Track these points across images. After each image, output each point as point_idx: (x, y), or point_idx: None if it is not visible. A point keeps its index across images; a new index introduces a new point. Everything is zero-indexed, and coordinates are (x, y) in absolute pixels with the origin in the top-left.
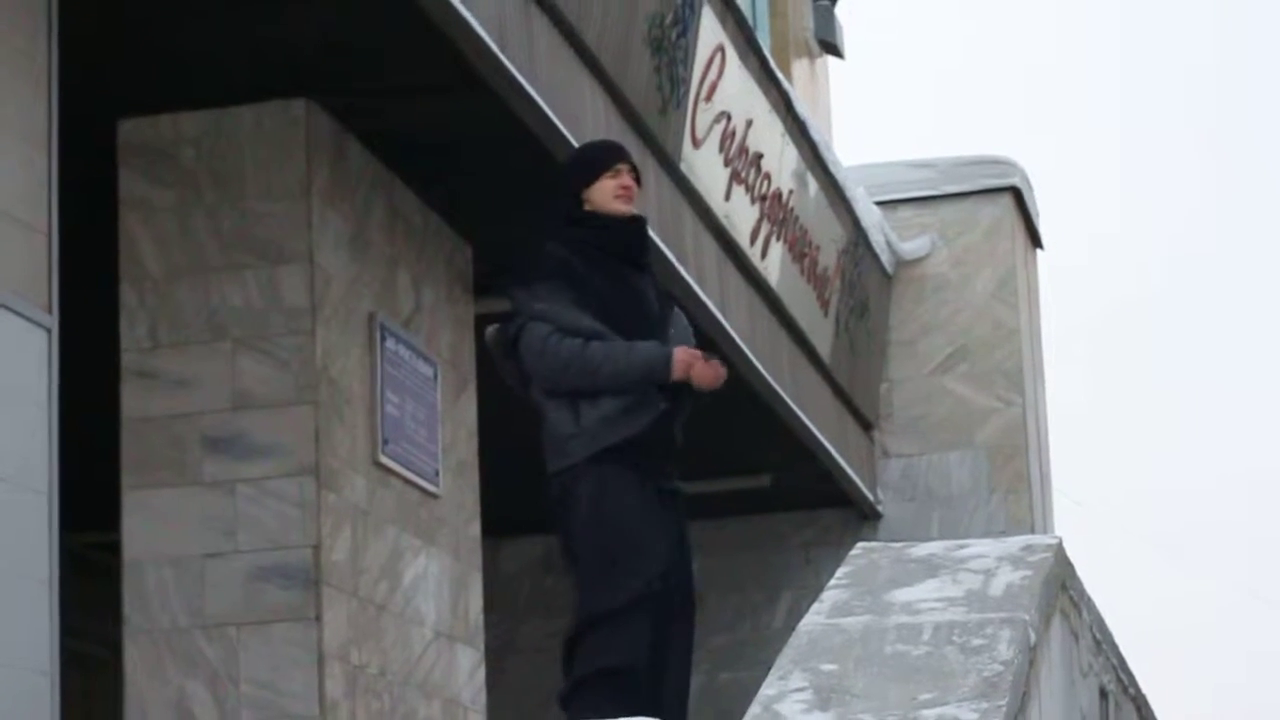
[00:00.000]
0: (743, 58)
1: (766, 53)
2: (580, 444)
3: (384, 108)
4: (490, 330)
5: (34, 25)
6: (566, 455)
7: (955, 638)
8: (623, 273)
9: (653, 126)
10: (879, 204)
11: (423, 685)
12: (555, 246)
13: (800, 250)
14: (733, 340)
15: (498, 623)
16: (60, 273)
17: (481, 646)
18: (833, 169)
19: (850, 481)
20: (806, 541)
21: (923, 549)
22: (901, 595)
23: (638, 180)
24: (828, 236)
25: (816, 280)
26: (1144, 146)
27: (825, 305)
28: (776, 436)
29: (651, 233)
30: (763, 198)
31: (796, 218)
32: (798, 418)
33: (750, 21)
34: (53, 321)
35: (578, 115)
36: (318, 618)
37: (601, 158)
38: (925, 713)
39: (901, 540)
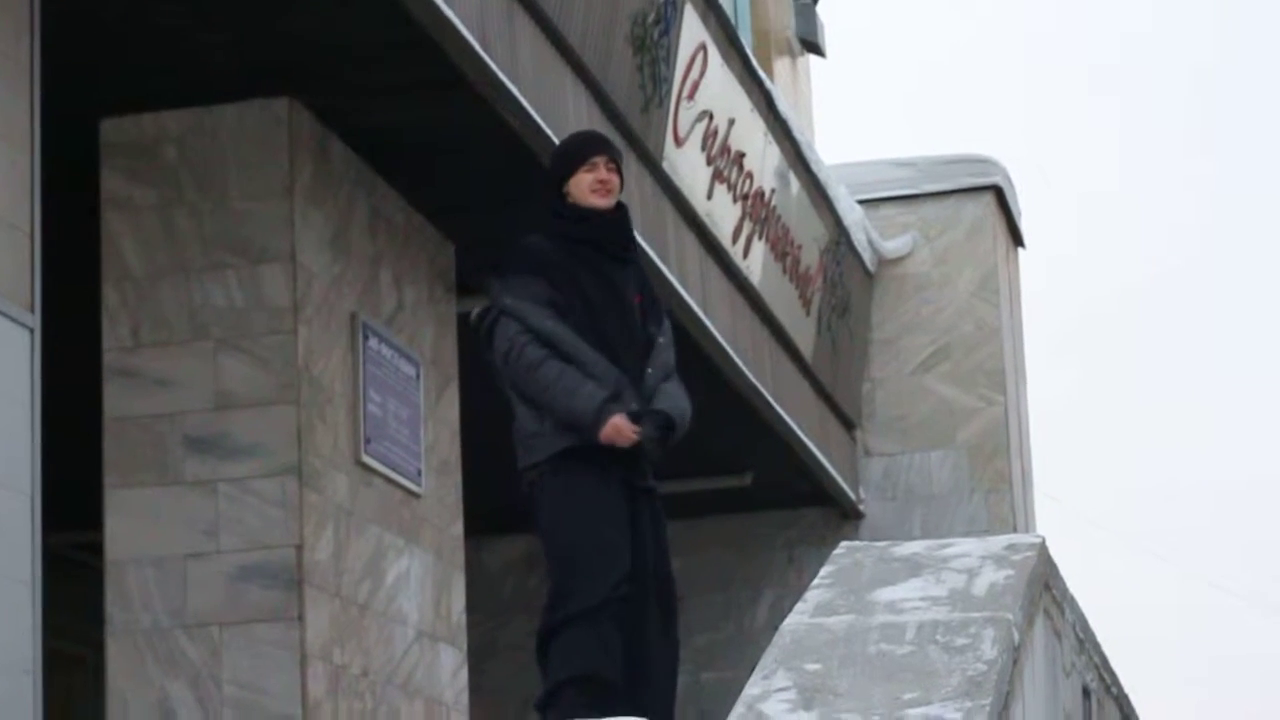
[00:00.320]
0: (725, 56)
1: (749, 51)
2: (544, 442)
3: (367, 107)
4: (474, 314)
5: (16, 25)
6: (532, 451)
7: (939, 637)
8: (602, 265)
9: (635, 125)
10: (861, 203)
11: (405, 685)
12: (537, 238)
13: (782, 249)
14: (715, 339)
15: (480, 623)
16: (42, 272)
17: (464, 646)
18: (814, 168)
19: (832, 480)
20: (788, 540)
21: (906, 548)
22: (885, 594)
23: (620, 170)
24: (809, 235)
25: (798, 279)
26: (1129, 144)
27: (807, 304)
28: (758, 435)
29: (634, 231)
30: (745, 196)
31: (778, 217)
32: (780, 417)
33: (732, 20)
34: (35, 321)
35: (560, 113)
36: (300, 617)
37: (577, 151)
38: (909, 712)
39: (883, 539)
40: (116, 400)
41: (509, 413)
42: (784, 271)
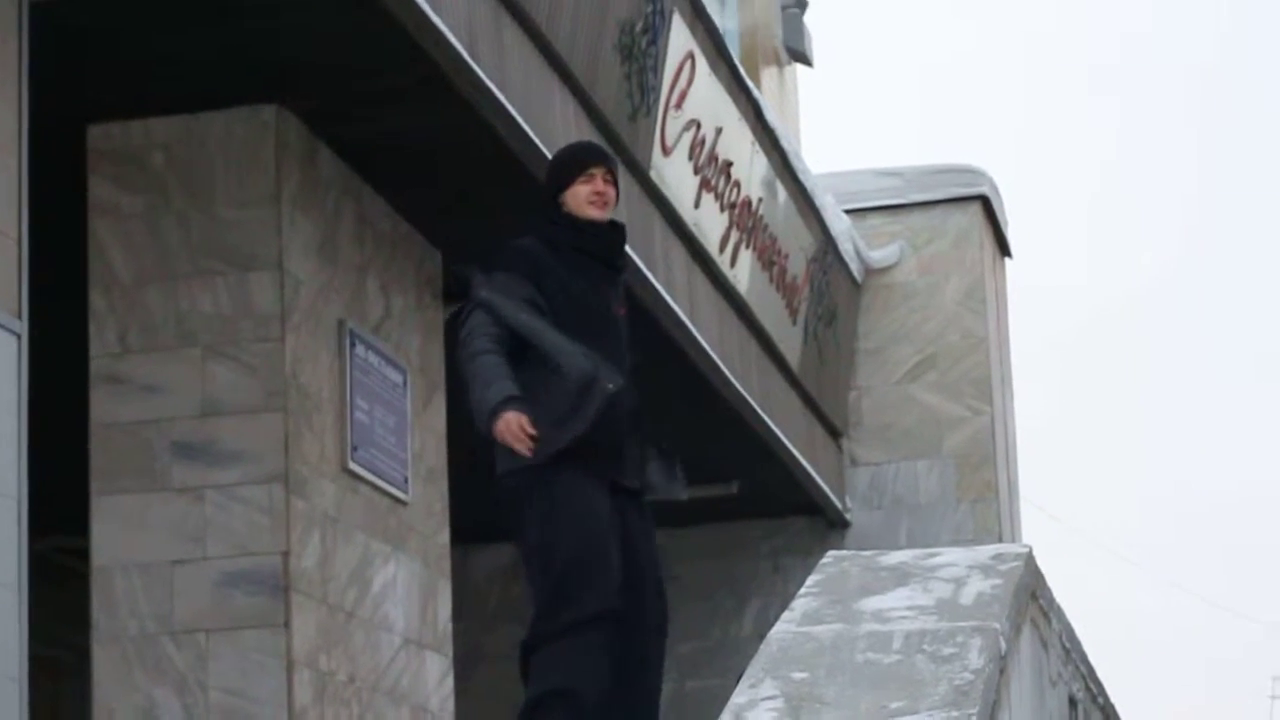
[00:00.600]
0: (713, 66)
1: (736, 61)
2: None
3: (354, 114)
4: (450, 314)
5: (4, 30)
6: (515, 456)
7: (926, 646)
8: (593, 275)
9: (622, 134)
10: (848, 212)
11: (391, 692)
12: (530, 241)
13: (769, 258)
14: (701, 348)
15: (466, 630)
16: (30, 278)
17: (450, 654)
18: (802, 177)
19: (818, 489)
20: (775, 549)
21: (893, 557)
22: (872, 604)
23: (616, 182)
24: (796, 244)
25: (785, 288)
26: (1118, 156)
27: (794, 313)
28: (745, 444)
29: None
30: (732, 205)
31: (765, 226)
32: (766, 425)
33: (720, 29)
34: (22, 327)
35: (548, 122)
36: (286, 624)
37: (574, 162)
38: None
39: (870, 548)
40: (104, 406)
41: None
42: (771, 280)
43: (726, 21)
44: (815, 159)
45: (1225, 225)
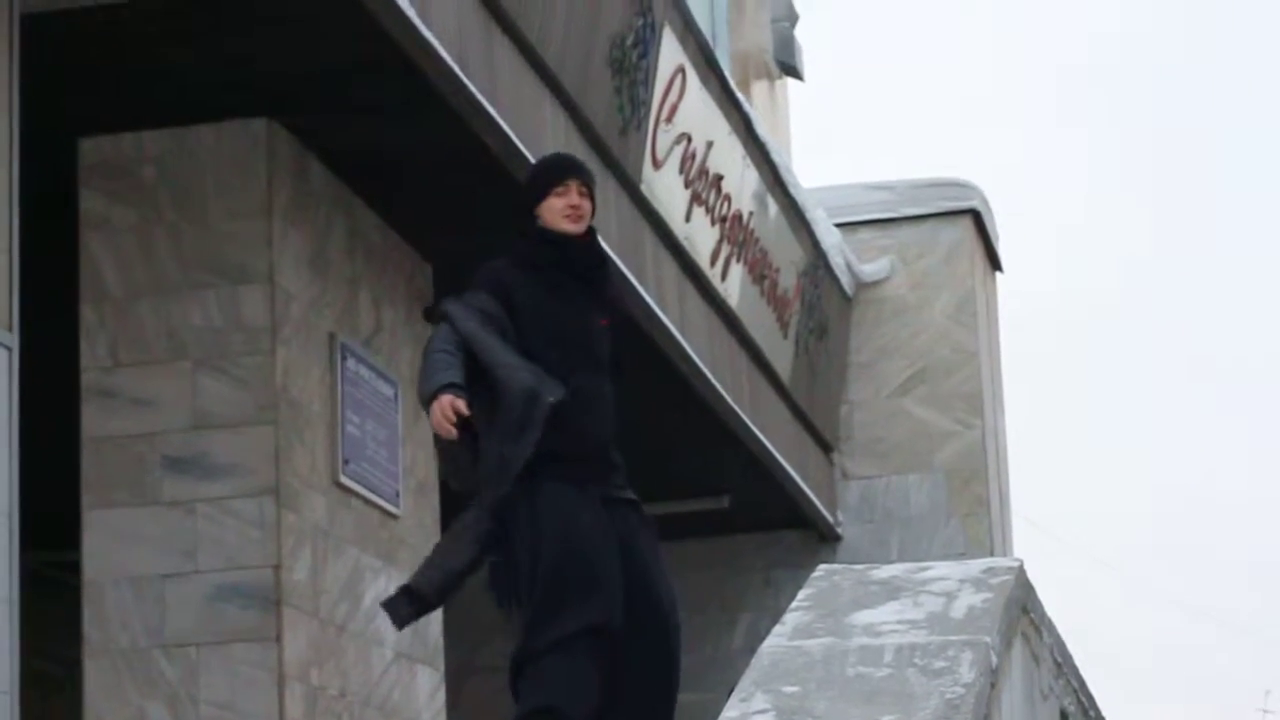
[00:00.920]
0: (703, 79)
1: (727, 74)
2: (511, 464)
3: (345, 127)
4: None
5: None
6: (502, 479)
7: (917, 660)
8: (567, 286)
9: (613, 147)
10: (839, 226)
11: (383, 706)
12: (502, 262)
13: (760, 272)
14: (692, 361)
15: (458, 644)
16: (21, 291)
17: (441, 667)
18: (793, 191)
19: (810, 503)
20: (766, 563)
21: (884, 571)
22: (863, 617)
23: (592, 195)
24: (788, 258)
25: (776, 302)
26: (1103, 170)
27: (785, 327)
28: (736, 458)
29: (611, 253)
30: (723, 219)
31: (757, 239)
32: (757, 439)
33: (711, 43)
34: (13, 340)
35: (538, 135)
36: (278, 638)
37: (549, 175)
38: None
39: (861, 562)
40: (95, 420)
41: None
42: (762, 294)
43: (718, 35)
44: (806, 173)
45: (1215, 230)
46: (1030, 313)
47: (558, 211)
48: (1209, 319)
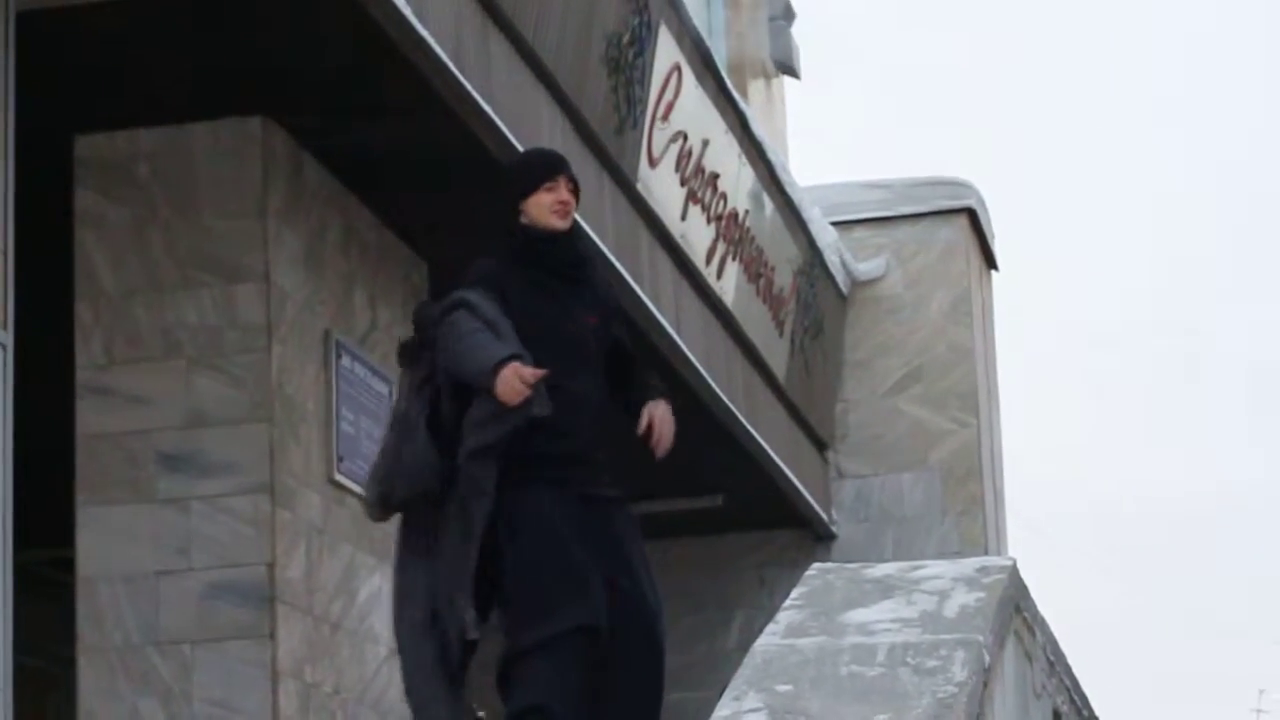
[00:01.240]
0: (699, 78)
1: (723, 73)
2: (488, 468)
3: (340, 125)
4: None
5: None
6: (484, 493)
7: (909, 659)
8: (551, 285)
9: (609, 146)
10: (834, 224)
11: (376, 704)
12: (490, 261)
13: (756, 270)
14: (688, 360)
15: None
16: (15, 289)
17: None
18: (789, 189)
19: (804, 502)
20: (760, 562)
21: (878, 570)
22: (856, 616)
23: (577, 192)
24: (783, 257)
25: (772, 300)
26: (1101, 168)
27: (780, 325)
28: (730, 456)
29: (607, 251)
30: (719, 218)
31: (752, 238)
32: (752, 437)
33: (707, 42)
34: (8, 338)
35: (534, 134)
36: (272, 635)
37: (540, 170)
38: None
39: (855, 561)
40: (89, 417)
41: None
42: (757, 293)
43: (714, 34)
44: (802, 171)
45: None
46: (1030, 310)
47: (546, 207)
48: (1211, 319)
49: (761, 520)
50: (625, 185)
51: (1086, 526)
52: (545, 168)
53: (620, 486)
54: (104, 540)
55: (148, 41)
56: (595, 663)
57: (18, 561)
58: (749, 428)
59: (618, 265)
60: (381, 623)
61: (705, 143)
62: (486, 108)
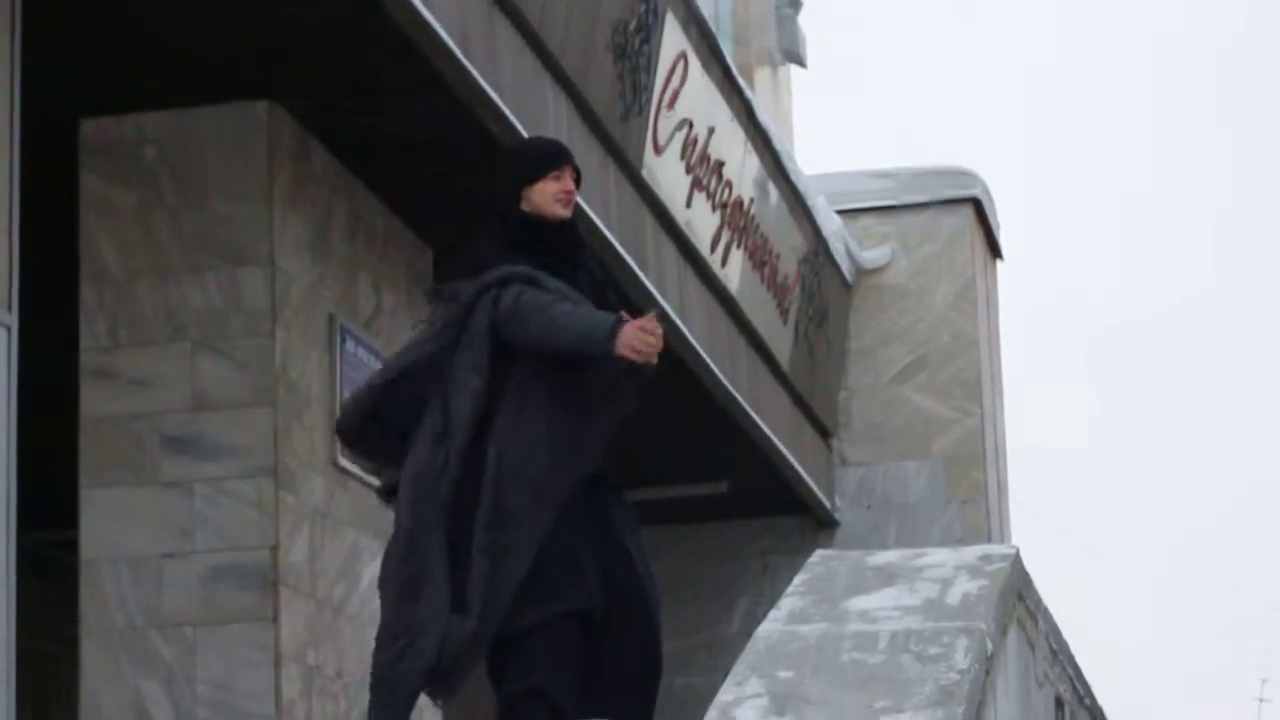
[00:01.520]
0: (705, 65)
1: (729, 61)
2: None
3: (347, 110)
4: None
5: None
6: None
7: (912, 646)
8: (549, 271)
9: (614, 133)
10: (840, 213)
11: None
12: (490, 247)
13: (760, 258)
14: (692, 347)
15: None
16: (20, 272)
17: None
18: (794, 177)
19: (808, 489)
20: (763, 549)
21: (880, 557)
22: (859, 603)
23: (579, 183)
24: (788, 245)
25: (776, 288)
26: (1109, 157)
27: (785, 313)
28: (734, 443)
29: (611, 238)
30: (723, 205)
31: (757, 226)
32: (756, 425)
33: (713, 29)
34: (13, 320)
35: (540, 120)
36: (275, 619)
37: (548, 159)
38: None
39: (858, 548)
40: (93, 400)
41: None
42: (762, 281)
43: (720, 22)
44: (808, 160)
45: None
46: (1035, 300)
47: (551, 195)
48: (1212, 300)
49: (765, 507)
50: (630, 172)
51: (1095, 517)
52: (553, 156)
53: (616, 475)
54: (107, 522)
55: (154, 25)
56: (591, 648)
57: (21, 543)
58: (753, 415)
59: (622, 252)
60: None
61: (711, 130)
62: (492, 93)
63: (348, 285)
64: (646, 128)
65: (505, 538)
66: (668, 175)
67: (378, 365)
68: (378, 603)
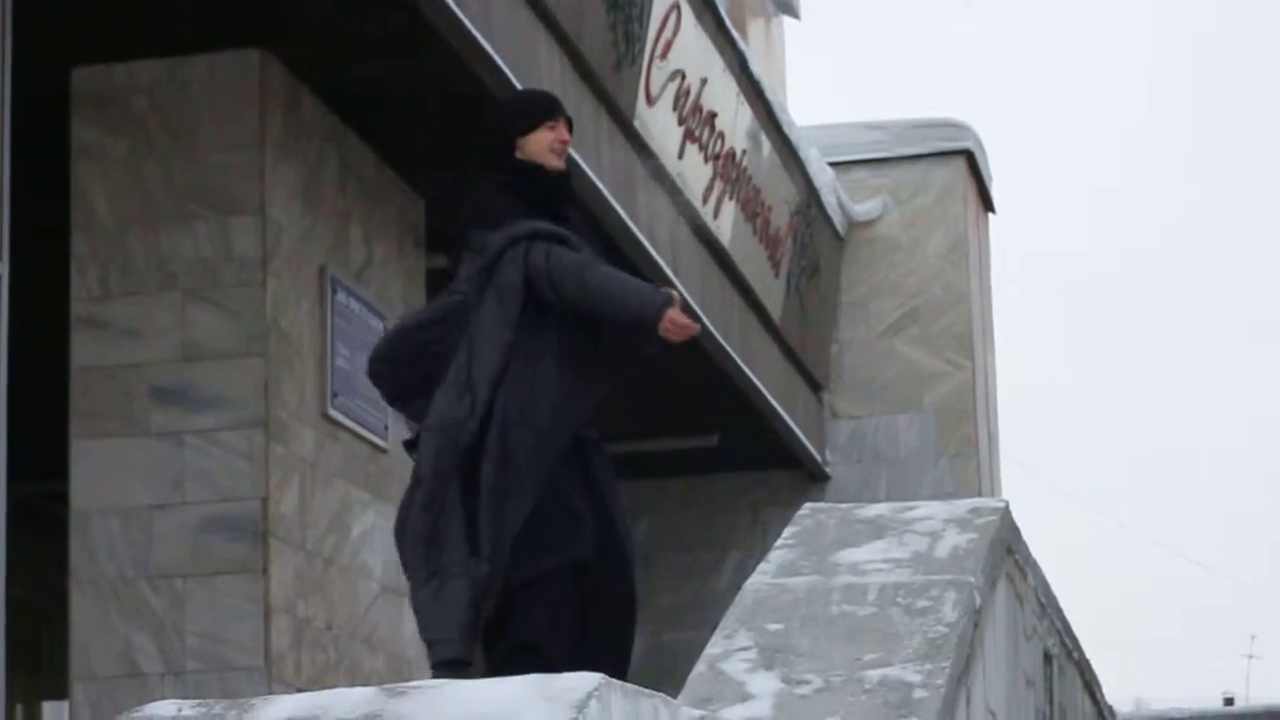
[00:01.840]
0: (698, 16)
1: (723, 12)
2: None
3: (339, 60)
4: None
5: None
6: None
7: (900, 599)
8: (542, 220)
9: (607, 83)
10: (832, 165)
11: (369, 639)
12: (491, 193)
13: (753, 210)
14: (684, 299)
15: None
16: (11, 220)
17: None
18: (786, 129)
19: (799, 442)
20: (754, 502)
21: (870, 510)
22: (848, 556)
23: (570, 133)
24: (780, 197)
25: (768, 240)
26: (1098, 108)
27: (776, 266)
28: (725, 396)
29: (603, 188)
30: (716, 157)
31: (749, 178)
32: (747, 378)
33: None
34: (3, 269)
35: (533, 70)
36: (264, 570)
37: (543, 109)
38: (869, 673)
39: (849, 501)
40: (84, 350)
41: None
42: (754, 233)
43: None
44: (800, 112)
45: (1225, 189)
46: (1058, 265)
47: (546, 145)
48: (1238, 277)
49: (756, 460)
50: (622, 123)
51: (1086, 471)
52: (548, 106)
53: (598, 428)
54: (97, 473)
55: None
56: (584, 599)
57: (11, 494)
58: (744, 368)
59: (614, 203)
60: (374, 558)
61: (703, 81)
62: (485, 44)
63: (339, 235)
64: (639, 78)
65: (508, 481)
66: (660, 126)
67: (369, 316)
68: (366, 554)
